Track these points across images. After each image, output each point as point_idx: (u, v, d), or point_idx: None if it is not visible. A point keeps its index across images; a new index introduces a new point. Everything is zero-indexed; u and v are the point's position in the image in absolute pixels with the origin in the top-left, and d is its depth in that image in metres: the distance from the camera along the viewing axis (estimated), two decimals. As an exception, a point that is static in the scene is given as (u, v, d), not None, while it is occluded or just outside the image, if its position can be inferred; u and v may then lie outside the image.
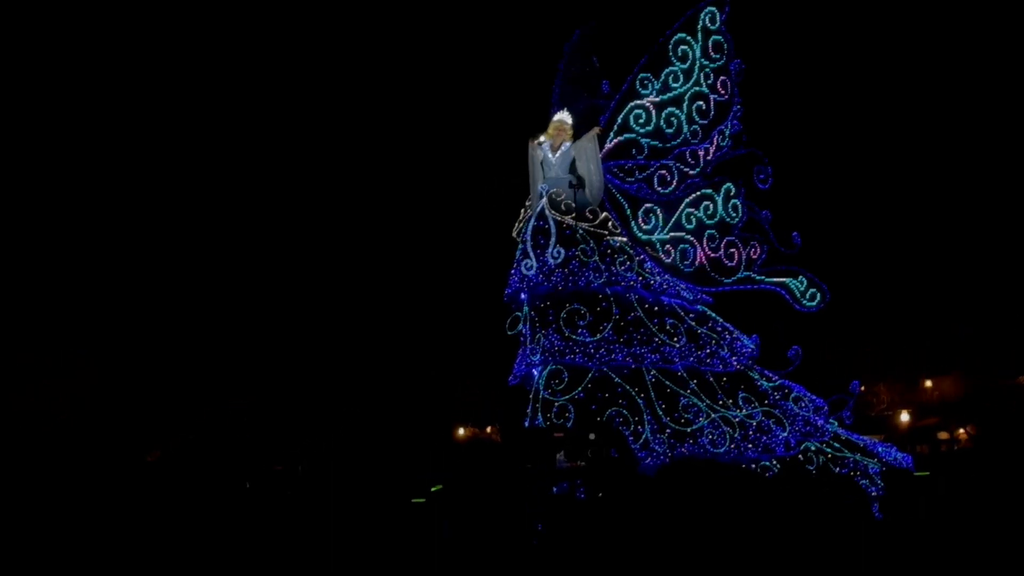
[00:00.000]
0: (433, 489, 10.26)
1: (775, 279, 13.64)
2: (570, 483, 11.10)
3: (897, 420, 18.85)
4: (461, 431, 16.25)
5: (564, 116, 13.30)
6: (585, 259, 12.78)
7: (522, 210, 13.22)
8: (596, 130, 12.72)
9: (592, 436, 11.12)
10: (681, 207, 13.53)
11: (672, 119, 13.47)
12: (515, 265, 12.97)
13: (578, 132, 13.24)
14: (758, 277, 13.62)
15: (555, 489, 11.08)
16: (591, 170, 12.70)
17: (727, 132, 13.86)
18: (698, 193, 13.65)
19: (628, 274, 12.86)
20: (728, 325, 13.33)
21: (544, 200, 13.06)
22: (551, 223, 12.95)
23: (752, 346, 13.33)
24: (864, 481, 12.57)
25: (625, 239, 13.24)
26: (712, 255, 13.47)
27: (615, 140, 13.35)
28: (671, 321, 12.82)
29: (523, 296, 12.85)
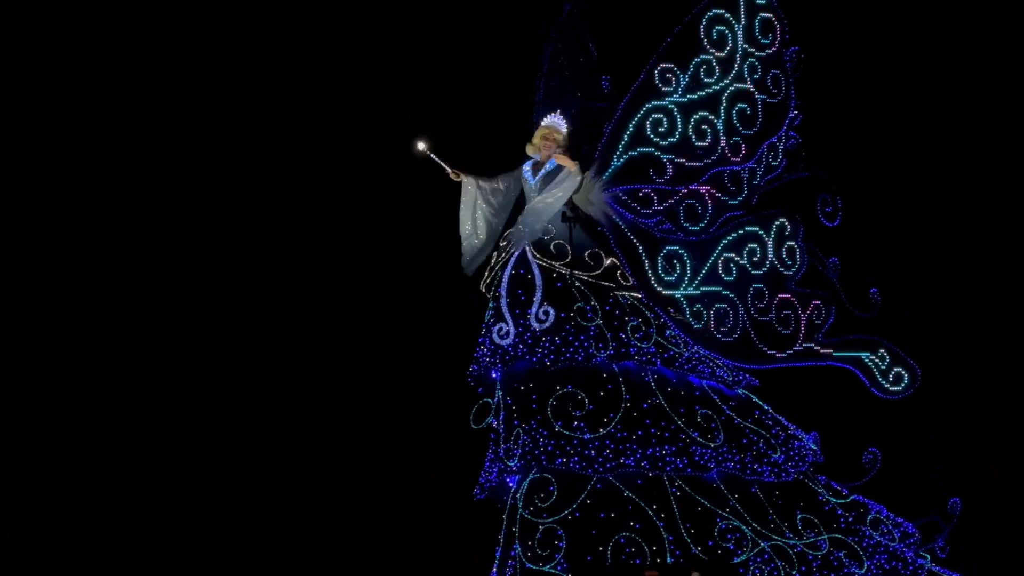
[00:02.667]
0: None
1: (846, 352, 13.18)
2: None
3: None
4: None
5: (556, 121, 12.71)
6: (584, 323, 12.23)
7: (493, 254, 12.63)
8: (576, 171, 12.43)
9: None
10: (717, 251, 12.90)
11: (705, 128, 12.87)
12: (483, 331, 12.38)
13: (574, 147, 12.76)
14: (823, 350, 13.11)
15: None
16: (545, 195, 12.42)
17: (780, 147, 13.32)
18: (741, 232, 13.04)
19: (643, 344, 12.36)
20: (781, 418, 12.86)
21: (525, 240, 12.46)
22: (535, 272, 12.35)
23: (814, 447, 12.88)
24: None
25: (639, 295, 12.67)
26: (760, 319, 12.91)
27: (625, 157, 12.74)
28: (703, 411, 12.32)
29: (495, 375, 12.35)
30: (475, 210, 12.56)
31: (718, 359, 12.87)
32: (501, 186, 12.59)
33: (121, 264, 14.83)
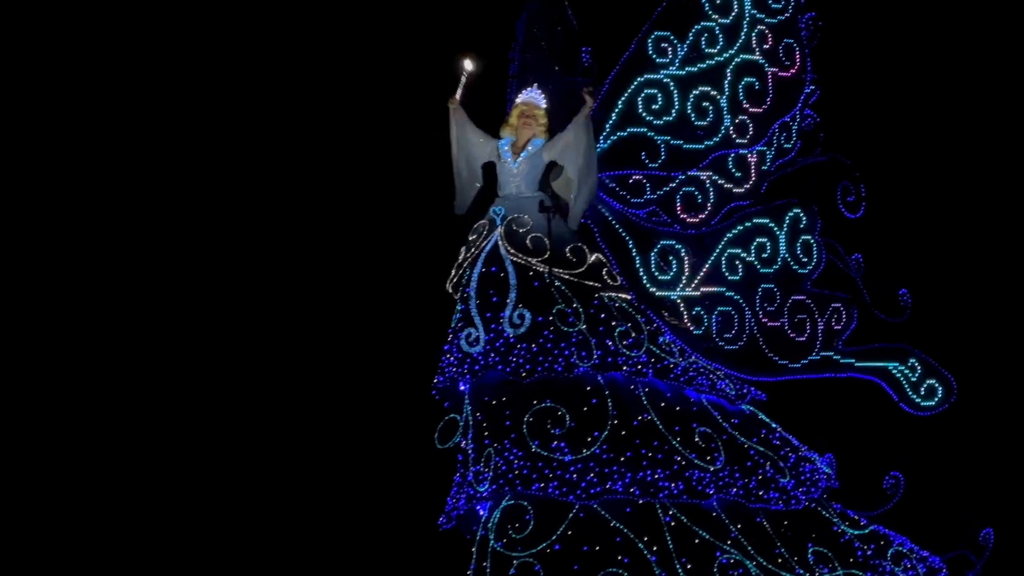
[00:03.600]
0: None
1: (871, 363, 13.09)
2: None
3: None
4: None
5: (533, 96, 12.46)
6: (564, 328, 11.94)
7: (461, 251, 12.40)
8: (588, 103, 12.02)
9: None
10: (720, 246, 12.75)
11: (706, 105, 12.73)
12: (450, 337, 12.12)
13: (553, 125, 12.47)
14: (843, 360, 13.02)
15: None
16: (581, 169, 12.06)
17: (794, 127, 13.12)
18: (748, 225, 12.88)
19: (633, 353, 12.05)
20: (791, 438, 12.59)
21: (499, 232, 12.16)
22: (509, 270, 12.05)
23: (828, 471, 12.67)
24: None
25: (629, 296, 12.45)
26: (770, 323, 12.80)
27: (613, 138, 12.61)
28: (702, 429, 12.02)
29: (463, 387, 12.09)
30: (459, 147, 12.49)
31: (720, 370, 12.71)
32: (480, 139, 12.47)
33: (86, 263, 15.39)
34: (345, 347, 15.55)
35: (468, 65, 12.15)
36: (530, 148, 12.31)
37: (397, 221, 13.19)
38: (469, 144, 12.43)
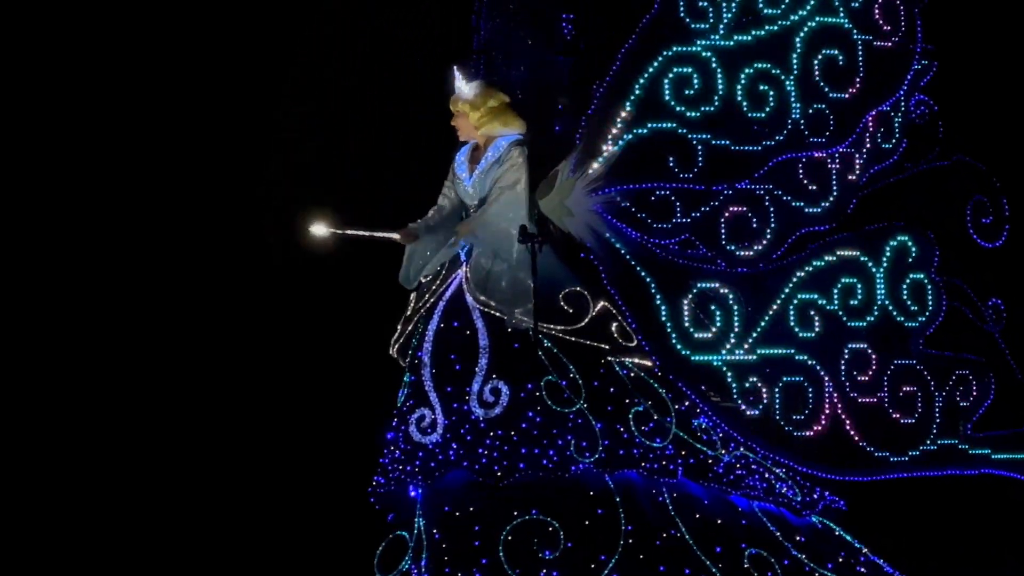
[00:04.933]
0: None
1: (1015, 454, 11.95)
2: None
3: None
4: None
5: (456, 86, 11.56)
6: (558, 408, 10.87)
7: (411, 299, 11.52)
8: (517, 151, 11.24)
9: None
10: (787, 290, 11.45)
11: (765, 89, 11.33)
12: (394, 423, 11.14)
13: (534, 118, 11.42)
14: (974, 450, 11.90)
15: None
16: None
17: (898, 120, 11.94)
18: (829, 259, 11.64)
19: (656, 443, 11.01)
20: (883, 563, 11.60)
21: (463, 272, 11.15)
22: (478, 326, 10.98)
23: None
24: None
25: (651, 362, 11.29)
26: (861, 399, 11.55)
27: (628, 137, 11.12)
28: (753, 552, 11.00)
29: (413, 492, 11.12)
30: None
31: (783, 467, 11.64)
32: (447, 207, 11.63)
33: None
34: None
35: (319, 230, 11.35)
36: (490, 154, 11.27)
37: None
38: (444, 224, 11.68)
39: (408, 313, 11.33)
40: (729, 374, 11.17)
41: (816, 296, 11.43)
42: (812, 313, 11.39)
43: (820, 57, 11.33)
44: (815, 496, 11.64)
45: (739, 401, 11.17)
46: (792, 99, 11.30)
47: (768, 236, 11.36)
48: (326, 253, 11.43)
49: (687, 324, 11.11)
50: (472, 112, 11.21)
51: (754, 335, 11.31)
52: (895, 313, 11.56)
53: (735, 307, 11.29)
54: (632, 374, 11.19)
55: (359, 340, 14.08)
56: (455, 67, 11.37)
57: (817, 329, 11.38)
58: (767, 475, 11.46)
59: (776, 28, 11.30)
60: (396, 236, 11.35)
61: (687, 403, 11.19)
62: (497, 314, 10.88)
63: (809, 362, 11.32)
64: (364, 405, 13.53)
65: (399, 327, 11.37)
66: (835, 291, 11.47)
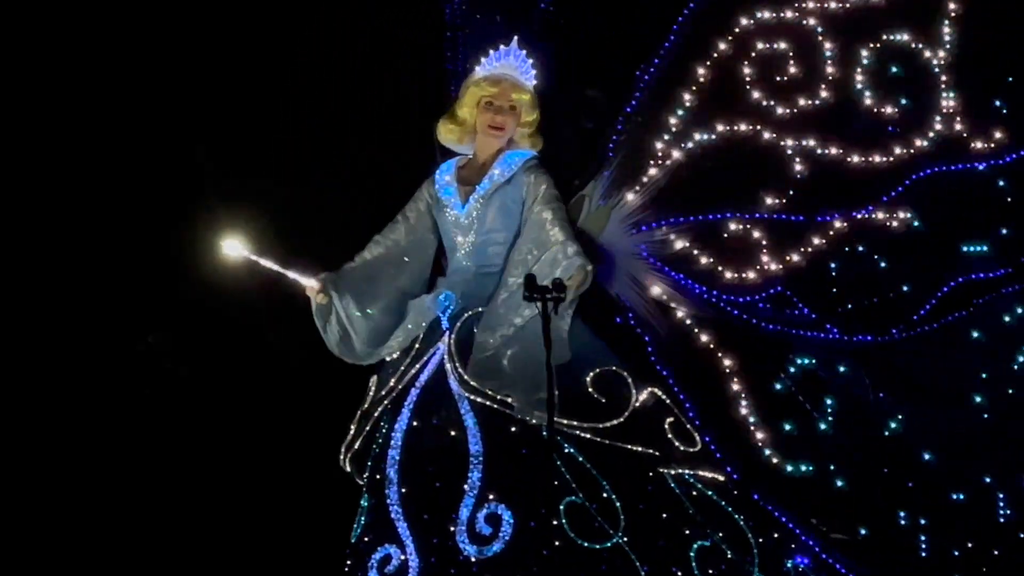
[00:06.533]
0: None
1: None
2: None
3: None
4: None
5: (508, 70, 8.68)
6: (584, 544, 8.40)
7: (371, 384, 8.85)
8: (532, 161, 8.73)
9: None
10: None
11: (898, 71, 9.00)
12: (347, 565, 8.49)
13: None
14: None
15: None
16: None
17: None
18: (1004, 320, 9.32)
19: None
20: None
21: (446, 343, 8.38)
22: (468, 423, 8.34)
23: None
24: None
25: (724, 477, 8.86)
26: None
27: (688, 144, 8.68)
28: None
29: None
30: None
31: None
32: (403, 240, 8.88)
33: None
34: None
35: (233, 250, 8.88)
36: (496, 173, 8.43)
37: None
38: (379, 284, 8.97)
39: (365, 406, 8.57)
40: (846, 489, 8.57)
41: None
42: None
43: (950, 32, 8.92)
44: None
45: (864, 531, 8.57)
46: (942, 84, 8.69)
47: (905, 288, 8.69)
48: (242, 275, 9.18)
49: (779, 419, 8.43)
50: (527, 114, 8.52)
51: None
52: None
53: (856, 392, 8.67)
54: (694, 493, 8.45)
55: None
56: (516, 39, 8.81)
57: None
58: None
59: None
60: (309, 283, 8.79)
61: (776, 535, 8.51)
62: (496, 406, 8.08)
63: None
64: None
65: (352, 426, 8.64)
66: (1015, 366, 8.75)
